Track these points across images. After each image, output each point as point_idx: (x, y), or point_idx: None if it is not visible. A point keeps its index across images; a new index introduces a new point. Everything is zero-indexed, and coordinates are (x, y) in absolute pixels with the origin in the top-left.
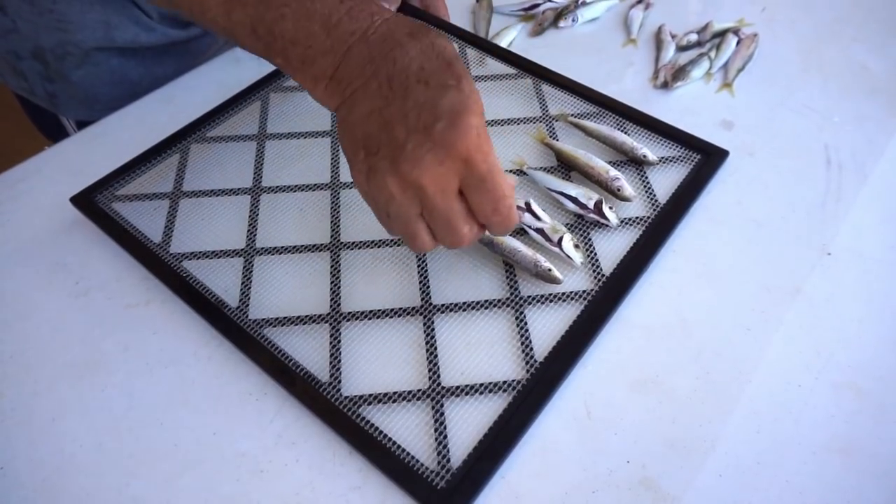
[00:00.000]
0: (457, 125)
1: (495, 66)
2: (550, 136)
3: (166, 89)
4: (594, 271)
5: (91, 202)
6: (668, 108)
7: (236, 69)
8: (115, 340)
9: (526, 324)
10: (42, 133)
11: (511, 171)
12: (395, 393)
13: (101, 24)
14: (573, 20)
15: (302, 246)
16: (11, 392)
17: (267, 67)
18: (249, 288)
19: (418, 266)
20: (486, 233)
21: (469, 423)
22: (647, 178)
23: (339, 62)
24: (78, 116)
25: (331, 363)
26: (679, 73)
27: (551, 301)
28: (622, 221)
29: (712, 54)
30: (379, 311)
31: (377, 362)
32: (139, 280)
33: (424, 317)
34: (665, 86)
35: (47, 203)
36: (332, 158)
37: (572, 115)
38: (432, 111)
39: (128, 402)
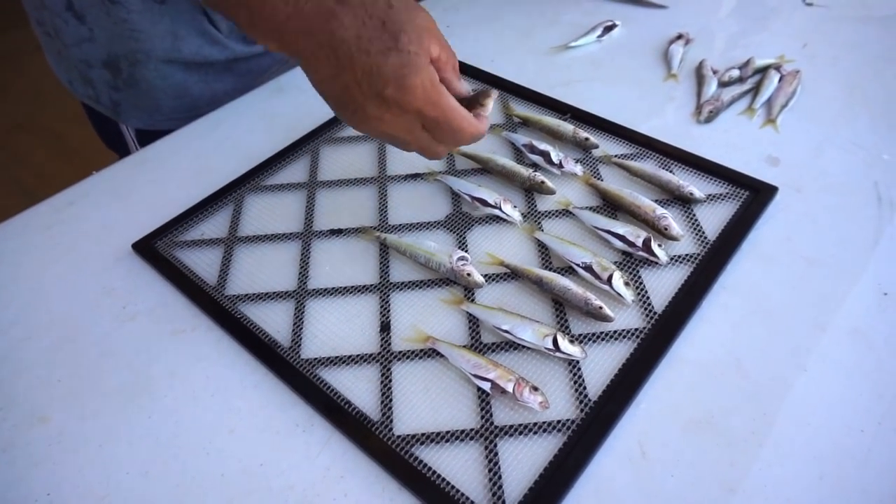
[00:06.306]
0: (403, 87)
1: (537, 110)
2: (595, 177)
3: (212, 116)
4: (645, 309)
5: (152, 248)
6: (711, 143)
7: (279, 98)
8: (161, 366)
9: (578, 362)
10: (101, 138)
11: (557, 211)
12: (447, 432)
13: (169, 35)
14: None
15: (353, 287)
16: (60, 416)
17: (317, 119)
18: (301, 328)
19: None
20: (536, 271)
21: (523, 462)
22: (694, 215)
23: (280, 31)
24: (138, 125)
25: (382, 402)
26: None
27: (603, 339)
28: (671, 259)
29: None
30: (430, 350)
31: (428, 401)
32: (185, 306)
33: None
34: (708, 121)
35: (95, 227)
36: (380, 202)
37: (616, 155)
38: (380, 77)
39: (174, 430)
